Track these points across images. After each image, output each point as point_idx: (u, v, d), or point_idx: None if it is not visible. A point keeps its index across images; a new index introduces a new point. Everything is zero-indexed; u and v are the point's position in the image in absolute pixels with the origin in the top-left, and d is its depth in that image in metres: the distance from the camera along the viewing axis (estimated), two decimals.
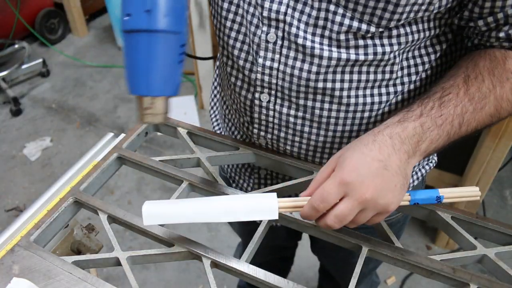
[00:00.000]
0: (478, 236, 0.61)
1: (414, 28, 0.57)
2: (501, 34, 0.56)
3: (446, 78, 0.57)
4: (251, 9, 0.60)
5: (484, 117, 0.55)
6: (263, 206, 0.54)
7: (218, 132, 0.85)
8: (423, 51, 0.61)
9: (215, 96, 0.86)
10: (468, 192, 0.57)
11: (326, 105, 0.62)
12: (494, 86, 0.54)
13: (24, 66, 2.69)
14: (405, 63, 0.61)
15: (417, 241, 1.79)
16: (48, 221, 0.60)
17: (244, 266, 0.55)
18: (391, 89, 0.62)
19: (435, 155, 0.82)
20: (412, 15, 0.54)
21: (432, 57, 0.62)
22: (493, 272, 0.56)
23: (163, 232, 0.59)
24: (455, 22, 0.59)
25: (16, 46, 2.85)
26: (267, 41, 0.60)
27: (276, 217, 0.53)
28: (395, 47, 0.57)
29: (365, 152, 0.50)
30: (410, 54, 0.61)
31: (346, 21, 0.55)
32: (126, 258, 0.56)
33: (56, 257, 0.56)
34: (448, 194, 0.56)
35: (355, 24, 0.55)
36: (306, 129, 0.66)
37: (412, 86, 0.63)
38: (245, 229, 1.06)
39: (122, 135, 0.75)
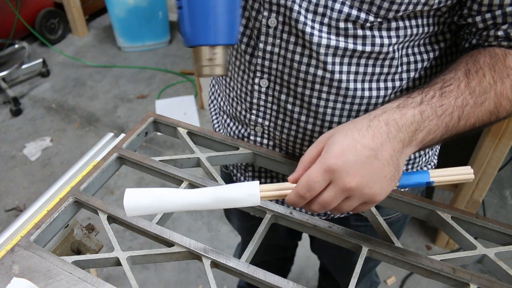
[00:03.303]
0: (478, 236, 0.61)
1: (413, 22, 0.57)
2: (500, 33, 0.56)
3: (446, 71, 0.55)
4: None
5: (483, 113, 0.53)
6: (244, 192, 0.51)
7: (216, 125, 0.85)
8: (422, 49, 0.62)
9: (216, 90, 0.87)
10: (461, 175, 0.54)
11: (324, 95, 0.63)
12: (495, 82, 0.53)
13: (24, 66, 2.69)
14: (404, 59, 0.61)
15: (417, 241, 1.79)
16: (48, 221, 0.60)
17: (244, 266, 0.55)
18: (390, 84, 0.62)
19: (435, 157, 0.82)
20: (411, 7, 0.54)
21: (431, 55, 0.62)
22: (493, 272, 0.56)
23: (163, 232, 0.59)
24: (454, 20, 0.59)
25: (16, 46, 2.85)
26: (267, 26, 0.60)
27: (259, 203, 0.51)
28: (394, 40, 0.57)
29: (356, 138, 0.47)
30: (409, 50, 0.61)
31: (345, 9, 0.55)
32: (126, 258, 0.56)
33: (56, 257, 0.55)
34: (439, 178, 0.54)
35: (354, 12, 0.55)
36: (303, 117, 0.66)
37: (410, 84, 0.63)
38: (245, 226, 1.06)
39: (122, 135, 0.75)
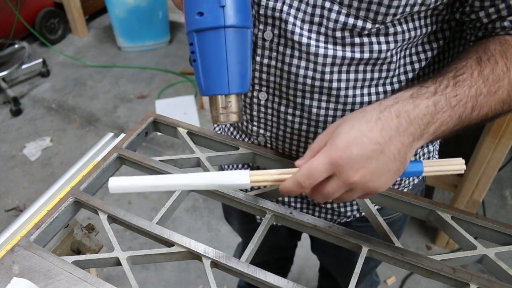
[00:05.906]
0: (478, 236, 0.61)
1: (411, 25, 0.56)
2: (506, 23, 0.54)
3: (457, 60, 0.53)
4: None
5: (496, 103, 0.51)
6: (234, 176, 0.52)
7: (219, 133, 0.86)
8: (420, 48, 0.61)
9: None
10: (452, 166, 0.53)
11: (323, 104, 0.62)
12: (508, 69, 0.51)
13: (24, 66, 2.69)
14: (402, 61, 0.61)
15: (417, 241, 1.79)
16: (48, 221, 0.60)
17: (244, 266, 0.55)
18: (388, 88, 0.62)
19: (436, 154, 0.82)
20: (408, 9, 0.53)
21: (429, 54, 0.62)
22: (493, 272, 0.56)
23: (163, 232, 0.59)
24: (457, 17, 0.58)
25: (16, 46, 2.85)
26: (263, 39, 0.60)
27: (248, 183, 0.51)
28: (392, 45, 0.57)
29: (363, 131, 0.45)
30: (407, 52, 0.60)
31: (342, 18, 0.55)
32: (126, 258, 0.56)
33: (56, 257, 0.55)
34: (430, 168, 0.53)
35: (351, 20, 0.54)
36: (304, 127, 0.66)
37: (409, 84, 0.63)
38: (245, 229, 1.07)
39: (122, 135, 0.75)
